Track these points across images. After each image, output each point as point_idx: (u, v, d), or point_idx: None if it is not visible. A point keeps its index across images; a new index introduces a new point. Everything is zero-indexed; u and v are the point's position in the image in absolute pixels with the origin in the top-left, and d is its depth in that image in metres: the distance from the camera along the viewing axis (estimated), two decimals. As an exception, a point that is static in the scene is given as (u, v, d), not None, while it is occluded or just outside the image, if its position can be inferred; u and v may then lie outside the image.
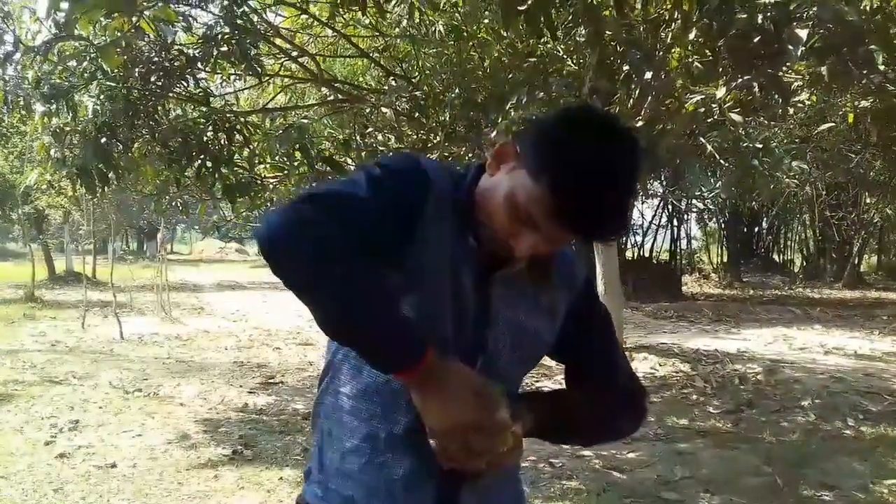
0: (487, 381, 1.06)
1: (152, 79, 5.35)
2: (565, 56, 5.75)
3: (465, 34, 5.74)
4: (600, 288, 7.94)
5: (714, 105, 4.60)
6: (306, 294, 1.00)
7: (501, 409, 1.05)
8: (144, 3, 3.92)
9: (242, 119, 6.17)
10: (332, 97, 6.99)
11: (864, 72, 3.93)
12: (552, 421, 1.17)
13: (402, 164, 1.12)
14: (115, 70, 4.99)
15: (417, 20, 5.67)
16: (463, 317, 1.11)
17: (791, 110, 6.94)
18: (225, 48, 5.10)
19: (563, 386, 1.29)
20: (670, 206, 18.57)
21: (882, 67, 4.15)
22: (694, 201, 17.58)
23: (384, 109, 6.54)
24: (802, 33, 3.45)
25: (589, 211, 1.00)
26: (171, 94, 5.66)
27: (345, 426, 1.14)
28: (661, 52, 4.58)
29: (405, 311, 1.05)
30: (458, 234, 1.11)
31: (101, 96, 5.21)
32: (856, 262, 19.06)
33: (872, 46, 3.64)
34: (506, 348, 1.14)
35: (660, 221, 19.83)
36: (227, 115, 5.93)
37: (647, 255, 19.57)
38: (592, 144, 1.01)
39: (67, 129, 5.34)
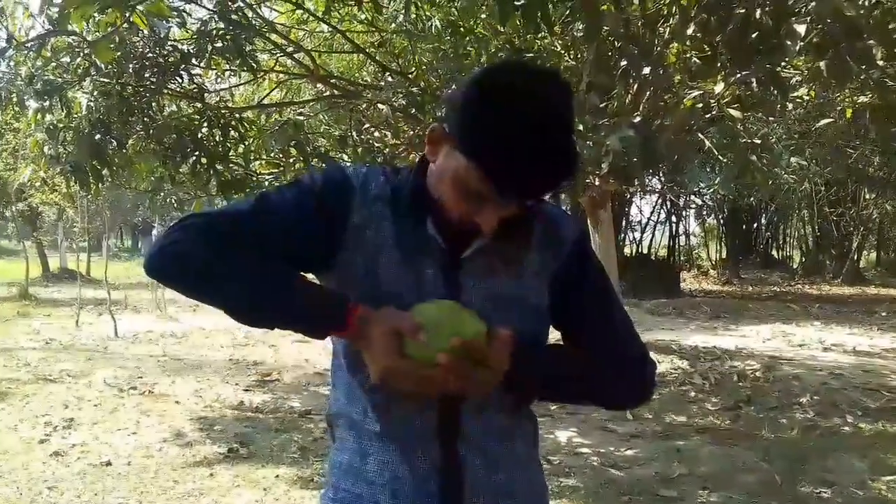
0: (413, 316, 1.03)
1: (146, 75, 5.32)
2: (563, 51, 5.72)
3: (461, 29, 5.71)
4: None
5: (712, 100, 4.58)
6: (197, 294, 1.07)
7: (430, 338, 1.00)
8: (137, -2, 3.88)
9: (237, 115, 6.14)
10: (327, 93, 6.95)
11: (863, 67, 3.90)
12: (558, 368, 1.15)
13: (310, 178, 1.15)
14: (109, 66, 4.97)
15: (414, 15, 5.64)
16: None
17: (789, 106, 6.92)
18: (219, 44, 5.06)
19: None
20: (669, 203, 18.57)
21: (881, 63, 4.13)
22: (693, 197, 17.59)
23: (380, 105, 6.50)
24: (801, 28, 3.43)
25: (522, 169, 0.99)
26: (165, 91, 5.63)
27: (349, 428, 1.16)
28: (659, 47, 4.55)
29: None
30: (412, 228, 1.10)
31: (95, 92, 5.20)
32: (855, 258, 19.02)
33: (871, 41, 3.61)
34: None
35: (658, 218, 19.89)
36: (222, 112, 5.91)
37: (645, 251, 19.60)
38: (508, 104, 0.99)
39: (61, 125, 5.31)
